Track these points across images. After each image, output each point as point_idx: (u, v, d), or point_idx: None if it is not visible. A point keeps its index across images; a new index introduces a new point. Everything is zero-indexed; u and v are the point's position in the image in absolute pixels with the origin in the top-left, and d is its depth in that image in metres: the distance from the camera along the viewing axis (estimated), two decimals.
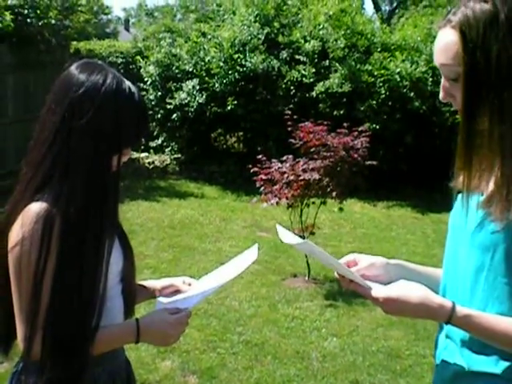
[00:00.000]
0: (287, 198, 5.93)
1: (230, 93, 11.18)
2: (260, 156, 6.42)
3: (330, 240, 7.88)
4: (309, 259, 6.23)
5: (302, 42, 11.53)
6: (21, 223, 1.59)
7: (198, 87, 11.41)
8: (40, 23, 10.05)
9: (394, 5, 24.88)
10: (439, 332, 1.70)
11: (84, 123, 1.62)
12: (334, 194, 6.15)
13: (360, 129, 6.78)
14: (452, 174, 1.62)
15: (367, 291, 1.59)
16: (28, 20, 9.83)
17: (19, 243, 1.58)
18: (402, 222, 9.31)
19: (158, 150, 13.23)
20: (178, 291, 2.00)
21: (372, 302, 1.61)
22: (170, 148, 12.92)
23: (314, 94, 10.95)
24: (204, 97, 11.31)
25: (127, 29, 40.94)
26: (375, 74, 10.71)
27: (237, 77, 11.15)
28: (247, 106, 11.16)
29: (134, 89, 1.72)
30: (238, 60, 11.21)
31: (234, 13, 12.68)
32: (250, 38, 11.42)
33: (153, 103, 12.15)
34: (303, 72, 11.10)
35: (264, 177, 6.09)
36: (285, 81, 11.22)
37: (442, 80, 1.56)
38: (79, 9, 12.45)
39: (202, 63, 11.64)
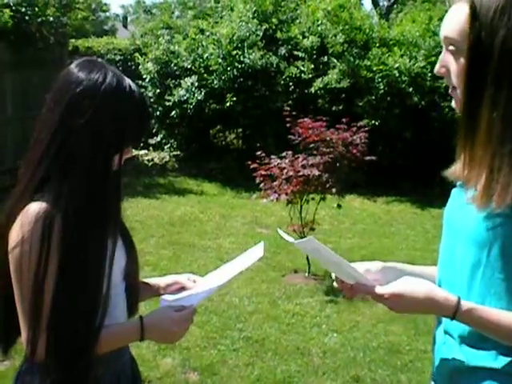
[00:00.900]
0: (287, 194, 5.93)
1: (228, 89, 11.17)
2: (259, 152, 6.41)
3: (330, 236, 7.88)
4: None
5: (301, 38, 11.53)
6: (20, 223, 1.58)
7: (196, 84, 11.39)
8: (38, 21, 10.04)
9: (392, 0, 24.82)
10: (437, 327, 1.70)
11: (84, 122, 1.60)
12: (333, 190, 6.15)
13: (359, 124, 6.78)
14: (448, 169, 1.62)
15: (371, 289, 1.59)
16: (26, 17, 9.81)
17: (19, 244, 1.57)
18: (402, 218, 9.31)
19: (157, 147, 13.23)
20: (182, 288, 1.98)
21: (375, 300, 1.60)
22: (169, 145, 12.92)
23: (312, 89, 10.94)
24: (203, 93, 11.30)
25: (125, 26, 40.92)
26: (374, 69, 10.70)
27: (235, 73, 11.14)
28: (246, 103, 11.15)
29: (134, 86, 1.71)
30: (237, 56, 11.20)
31: (231, 9, 12.66)
32: (248, 34, 11.40)
33: (151, 100, 12.14)
34: (302, 68, 11.09)
35: (263, 173, 6.09)
36: (283, 77, 11.21)
37: (442, 53, 1.56)
38: (77, 6, 12.43)
39: (201, 60, 11.62)
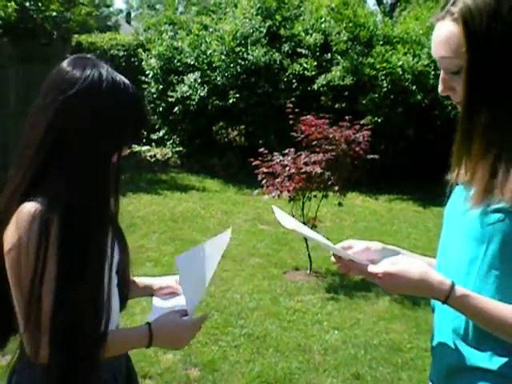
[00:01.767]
0: (289, 191, 5.93)
1: (231, 86, 11.17)
2: (262, 149, 6.41)
3: (332, 233, 7.87)
4: (310, 252, 6.24)
5: (304, 35, 11.52)
6: (15, 224, 1.52)
7: (199, 80, 11.40)
8: (41, 16, 10.05)
9: None
10: (435, 326, 1.69)
11: (78, 123, 1.55)
12: (335, 187, 6.15)
13: (362, 122, 6.77)
14: (449, 167, 1.61)
15: (364, 267, 1.56)
16: (30, 12, 9.82)
17: (16, 245, 1.52)
18: (404, 216, 9.31)
19: (160, 143, 13.24)
20: (174, 293, 1.97)
21: (368, 278, 1.58)
22: (171, 141, 12.93)
23: (315, 87, 10.94)
24: (206, 90, 11.30)
25: (128, 22, 40.89)
26: (377, 67, 10.70)
27: (238, 70, 11.14)
28: (249, 100, 11.15)
29: (128, 83, 1.65)
30: (240, 53, 11.20)
31: (235, 6, 12.66)
32: (251, 31, 11.40)
33: (154, 96, 12.15)
34: (305, 65, 11.09)
35: (265, 170, 6.09)
36: (286, 74, 11.21)
37: (441, 73, 1.54)
38: (81, 1, 12.44)
39: (204, 56, 11.63)
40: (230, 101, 11.05)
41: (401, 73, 10.50)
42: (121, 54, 13.76)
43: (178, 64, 11.91)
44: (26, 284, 1.52)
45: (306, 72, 11.05)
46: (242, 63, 11.13)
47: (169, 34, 12.39)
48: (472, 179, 1.51)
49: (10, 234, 1.53)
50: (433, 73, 10.41)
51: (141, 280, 2.03)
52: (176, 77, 11.80)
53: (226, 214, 8.83)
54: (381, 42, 11.32)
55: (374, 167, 8.28)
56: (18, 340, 1.70)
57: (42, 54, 10.13)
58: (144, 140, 13.09)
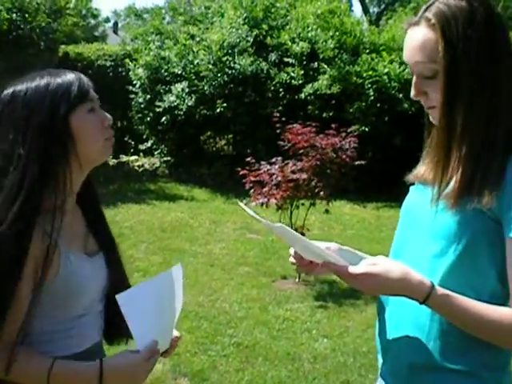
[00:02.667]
0: (276, 199, 5.95)
1: (219, 95, 11.20)
2: (249, 158, 6.43)
3: (320, 241, 7.89)
4: None
5: (290, 43, 11.57)
6: None
7: (187, 90, 11.42)
8: (29, 27, 10.04)
9: (382, 7, 24.98)
10: (388, 324, 1.67)
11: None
12: (321, 193, 6.17)
13: (348, 130, 6.80)
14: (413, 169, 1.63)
15: (342, 268, 1.55)
16: (17, 23, 9.81)
17: None
18: (392, 223, 9.33)
19: (148, 152, 13.24)
20: None
21: (344, 280, 1.56)
22: (159, 151, 12.92)
23: (302, 95, 10.98)
24: (193, 99, 11.32)
25: (115, 32, 40.86)
26: (363, 75, 10.76)
27: (226, 79, 11.17)
28: (236, 109, 11.18)
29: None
30: (227, 62, 11.24)
31: (222, 15, 12.70)
32: (238, 40, 11.45)
33: (142, 106, 12.15)
34: (292, 74, 11.14)
35: (253, 178, 6.11)
36: (273, 83, 11.25)
37: (414, 78, 1.55)
38: (67, 12, 12.44)
39: (191, 66, 11.65)
40: (218, 110, 11.08)
41: (387, 81, 10.56)
42: (108, 64, 13.75)
43: (166, 74, 11.93)
44: None
45: (292, 81, 11.09)
46: (229, 72, 11.17)
47: (156, 43, 12.42)
48: (444, 179, 1.52)
49: None
50: None
51: None
52: (163, 86, 11.81)
53: (214, 223, 8.82)
54: (367, 50, 11.38)
55: (362, 175, 8.31)
56: None
57: (29, 64, 10.11)
58: (132, 150, 13.08)
